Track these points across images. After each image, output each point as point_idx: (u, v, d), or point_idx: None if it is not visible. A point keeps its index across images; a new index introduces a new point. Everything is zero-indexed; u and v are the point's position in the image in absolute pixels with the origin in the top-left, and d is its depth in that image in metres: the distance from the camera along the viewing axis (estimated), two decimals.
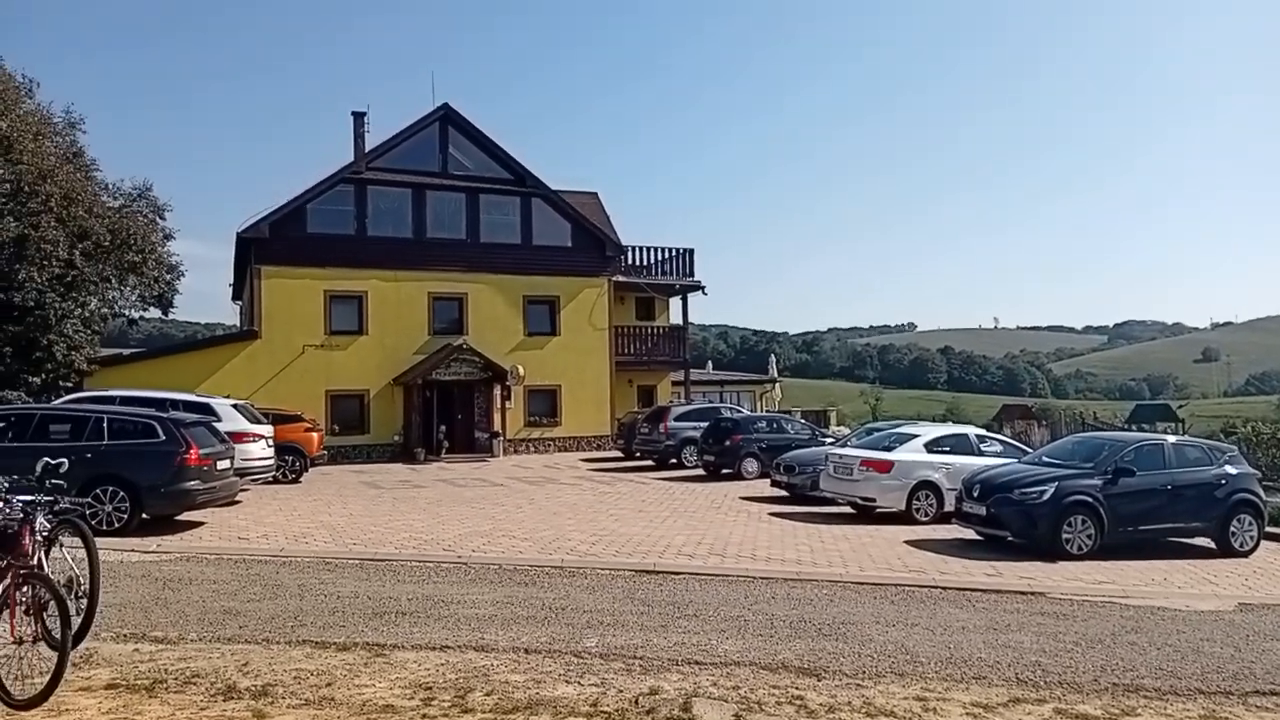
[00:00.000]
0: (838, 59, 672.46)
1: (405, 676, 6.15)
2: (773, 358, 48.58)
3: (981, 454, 15.74)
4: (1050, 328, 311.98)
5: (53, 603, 5.28)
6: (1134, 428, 39.99)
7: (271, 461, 18.48)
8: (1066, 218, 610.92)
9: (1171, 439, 14.30)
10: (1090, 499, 12.15)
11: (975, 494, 12.98)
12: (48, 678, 5.11)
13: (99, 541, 6.43)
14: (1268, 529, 13.43)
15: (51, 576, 5.51)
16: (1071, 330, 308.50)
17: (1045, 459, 13.98)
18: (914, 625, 8.12)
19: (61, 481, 6.22)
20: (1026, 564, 11.50)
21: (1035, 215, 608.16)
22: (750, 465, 22.44)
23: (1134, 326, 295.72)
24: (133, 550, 11.05)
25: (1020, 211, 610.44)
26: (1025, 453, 15.93)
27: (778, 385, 45.17)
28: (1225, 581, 10.99)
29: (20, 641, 5.31)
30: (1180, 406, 58.35)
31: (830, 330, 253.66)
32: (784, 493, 18.47)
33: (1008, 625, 8.25)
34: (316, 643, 7.02)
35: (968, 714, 5.69)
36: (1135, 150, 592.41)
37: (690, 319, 37.40)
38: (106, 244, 29.21)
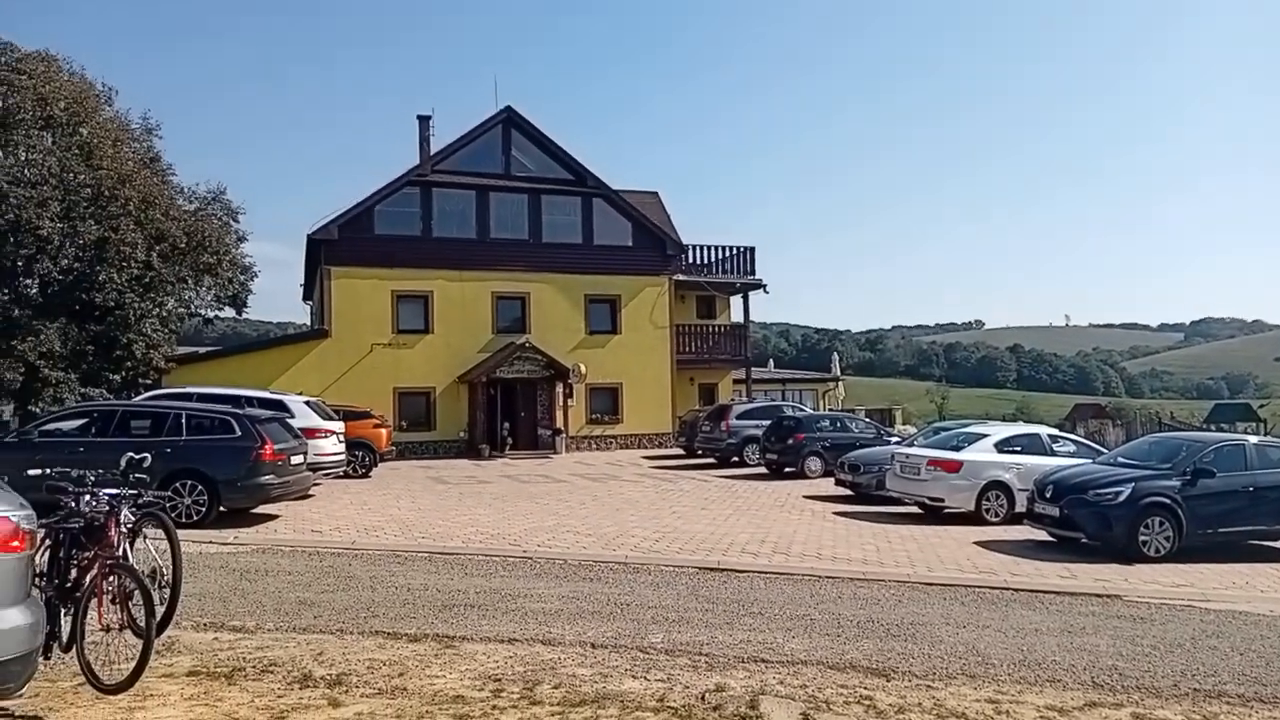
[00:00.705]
0: (917, 60, 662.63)
1: (474, 668, 6.24)
2: (835, 356, 48.15)
3: (1054, 454, 15.38)
4: (1124, 325, 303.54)
5: (137, 592, 5.44)
6: (1213, 428, 38.79)
7: (342, 457, 18.91)
8: (1138, 215, 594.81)
9: (1253, 439, 13.80)
10: (1168, 500, 11.80)
11: (1048, 495, 12.70)
12: (133, 664, 5.29)
13: (179, 533, 6.62)
14: None
15: (136, 567, 5.70)
16: (1146, 328, 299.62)
17: (1121, 459, 13.61)
18: (985, 627, 7.98)
19: (144, 475, 6.44)
20: (1101, 566, 11.20)
21: (1107, 213, 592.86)
22: (813, 464, 22.25)
23: (1211, 324, 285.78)
24: (211, 542, 11.38)
25: (1093, 209, 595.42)
26: (1099, 453, 15.53)
27: (841, 384, 44.74)
28: None
29: (108, 629, 5.50)
30: (1261, 406, 56.40)
31: (894, 328, 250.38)
32: (848, 492, 18.28)
33: (1083, 628, 8.05)
34: (388, 633, 7.16)
35: (1042, 718, 5.58)
36: (1214, 148, 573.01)
37: (751, 317, 37.28)
38: (183, 246, 30.11)
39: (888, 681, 6.25)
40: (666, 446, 31.93)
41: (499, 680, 5.97)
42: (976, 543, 12.78)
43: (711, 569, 10.54)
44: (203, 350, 34.49)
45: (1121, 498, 11.82)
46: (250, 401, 17.12)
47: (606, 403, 32.43)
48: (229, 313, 36.59)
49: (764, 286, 36.03)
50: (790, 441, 22.75)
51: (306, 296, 40.35)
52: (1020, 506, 14.24)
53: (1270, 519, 12.33)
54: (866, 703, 5.73)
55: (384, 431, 23.02)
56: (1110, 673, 6.62)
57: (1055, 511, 12.44)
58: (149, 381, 27.76)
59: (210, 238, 31.21)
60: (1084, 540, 12.17)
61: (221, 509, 12.86)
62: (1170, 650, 7.33)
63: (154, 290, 29.56)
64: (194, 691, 5.55)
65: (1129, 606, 9.13)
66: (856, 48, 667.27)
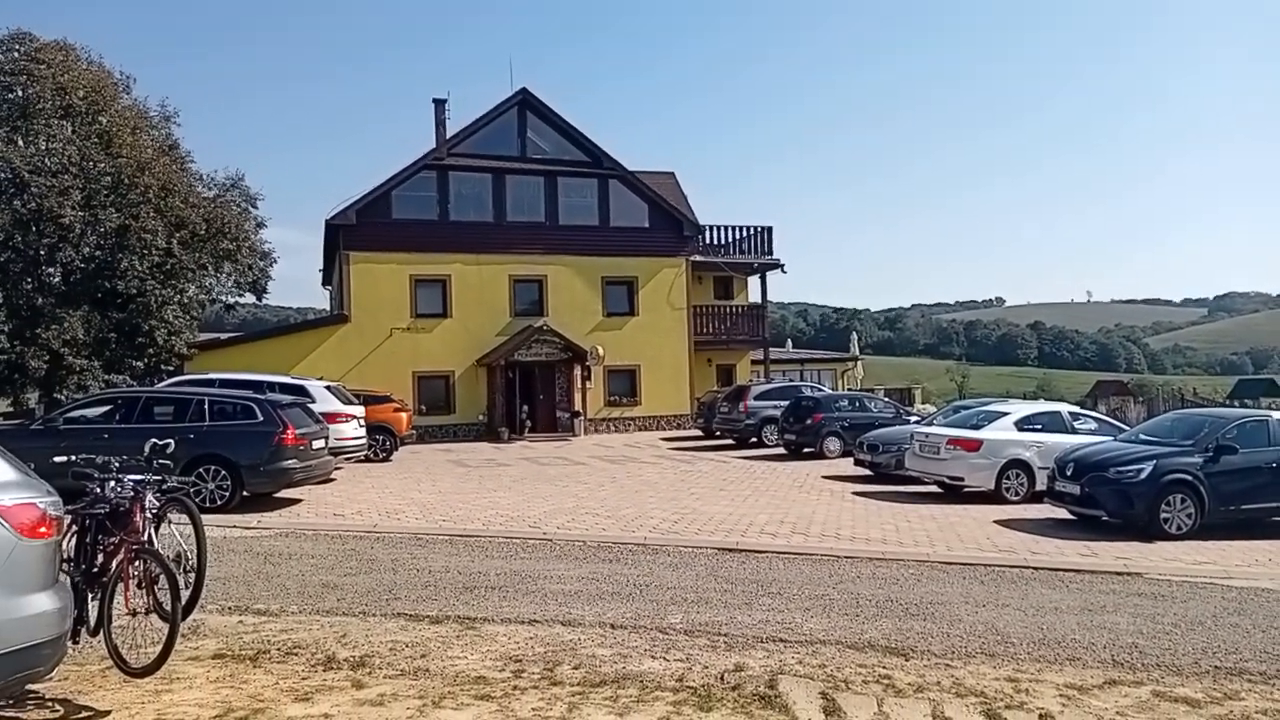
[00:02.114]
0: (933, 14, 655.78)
1: (496, 649, 6.29)
2: (854, 335, 47.93)
3: (1075, 432, 15.30)
4: (1146, 301, 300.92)
5: (163, 576, 5.50)
6: (1236, 403, 38.39)
7: (363, 441, 19.03)
8: (1160, 186, 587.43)
9: (1277, 415, 13.65)
10: (1190, 477, 11.72)
11: (1069, 473, 12.64)
12: (159, 648, 5.35)
13: (203, 518, 6.68)
14: None
15: (161, 552, 5.76)
16: (1169, 303, 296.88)
17: (1143, 437, 13.52)
18: (1005, 605, 7.97)
19: (168, 461, 6.49)
20: (1122, 544, 11.16)
21: (1129, 185, 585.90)
22: (832, 444, 22.22)
23: (1235, 299, 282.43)
24: (235, 526, 11.50)
25: (1113, 180, 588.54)
26: (1121, 430, 15.43)
27: (859, 363, 44.54)
28: None
29: (134, 613, 5.57)
30: None
31: (914, 306, 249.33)
32: (867, 472, 18.25)
33: (1103, 606, 8.03)
34: (410, 615, 7.23)
35: (1061, 696, 5.58)
36: (1235, 115, 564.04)
37: (770, 297, 37.20)
38: (202, 233, 30.34)
39: (906, 661, 6.26)
40: (685, 428, 31.97)
41: (520, 661, 6.02)
42: (997, 521, 12.75)
43: (730, 550, 10.56)
44: (224, 336, 34.74)
45: (1143, 475, 11.75)
46: (271, 387, 17.24)
47: (625, 384, 32.48)
48: (249, 299, 36.91)
49: (782, 266, 35.88)
50: (809, 422, 22.72)
51: (325, 282, 40.57)
52: (1041, 485, 14.19)
53: None
54: (885, 682, 5.75)
55: (404, 415, 23.15)
56: (1130, 650, 6.60)
57: (1076, 489, 12.39)
58: (171, 368, 28.03)
59: (229, 224, 31.43)
60: (1105, 518, 12.12)
61: (245, 493, 12.98)
62: (1191, 628, 7.30)
63: (175, 277, 29.82)
64: (219, 674, 5.64)
65: (1150, 584, 9.09)
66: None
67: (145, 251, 27.89)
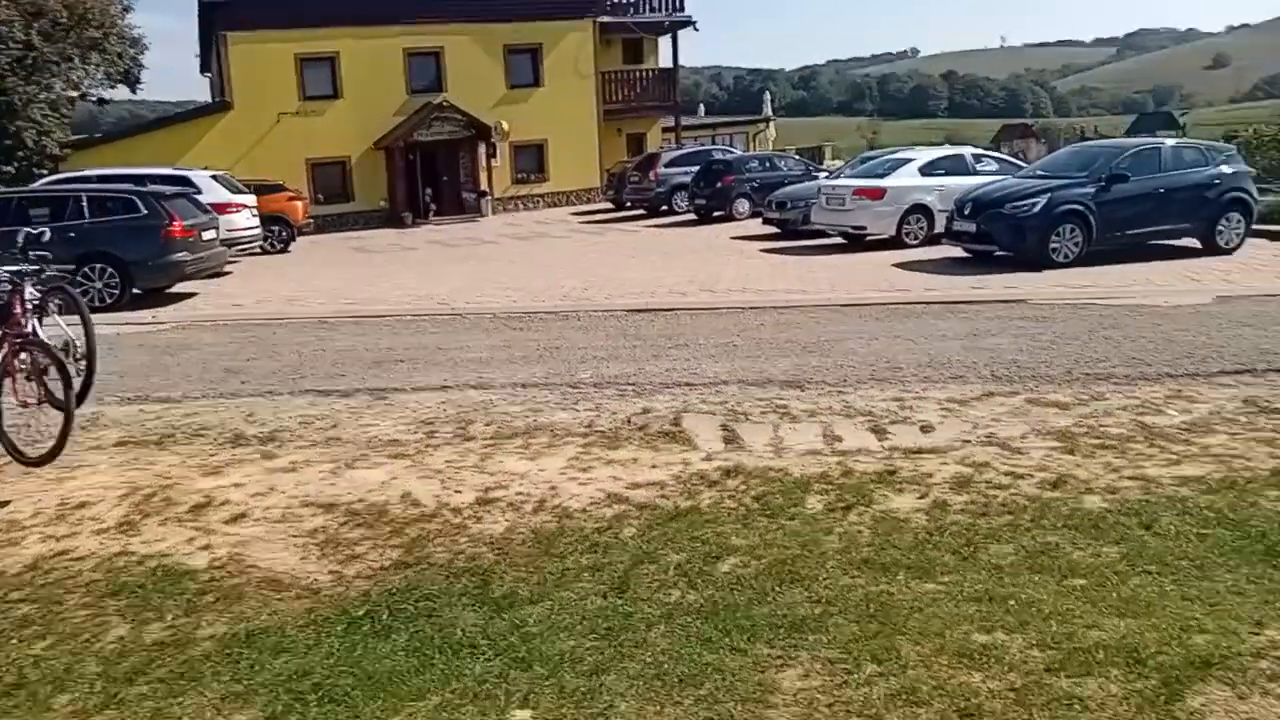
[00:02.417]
0: None
1: (407, 415, 6.40)
2: (767, 96, 47.10)
3: (977, 173, 15.49)
4: (1059, 43, 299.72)
5: (52, 367, 5.38)
6: (1135, 137, 39.25)
7: (258, 231, 18.36)
8: None
9: (1170, 142, 13.99)
10: (1081, 207, 12.08)
11: (966, 212, 12.92)
12: (55, 439, 5.32)
13: (94, 318, 6.45)
14: (1254, 226, 13.39)
15: (48, 342, 5.60)
16: (1080, 44, 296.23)
17: (1039, 172, 13.79)
18: (896, 338, 8.33)
19: (46, 252, 6.19)
20: (1012, 275, 11.61)
21: None
22: (742, 206, 22.27)
23: (1145, 36, 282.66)
24: (128, 323, 11.13)
25: None
26: (1020, 169, 15.69)
27: (772, 125, 44.04)
28: (1207, 278, 11.14)
29: (25, 404, 5.47)
30: (1183, 115, 56.94)
31: (829, 63, 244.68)
32: (776, 230, 18.43)
33: (988, 331, 8.45)
34: (319, 392, 7.25)
35: (942, 409, 5.95)
36: None
37: (681, 61, 35.85)
38: (64, 21, 27.75)
39: (802, 391, 6.57)
40: (595, 202, 31.56)
41: (432, 424, 6.15)
42: (895, 265, 13.13)
43: (639, 310, 10.68)
44: (99, 134, 32.59)
45: (1037, 208, 12.08)
46: (153, 179, 16.34)
47: (532, 161, 31.66)
48: (123, 93, 34.36)
49: (694, 23, 34.52)
50: (719, 185, 22.64)
51: (204, 69, 37.84)
52: (940, 228, 14.52)
53: (1177, 218, 12.70)
54: (781, 411, 6.05)
55: (299, 204, 22.24)
56: (1009, 366, 7.02)
57: (972, 228, 12.72)
58: (45, 171, 26.37)
59: (93, 10, 28.74)
60: (998, 253, 12.55)
61: (135, 290, 12.59)
62: (1067, 343, 7.77)
63: (38, 72, 27.51)
64: (124, 459, 5.62)
65: (1033, 309, 9.55)
66: None
67: (2, 45, 25.49)
